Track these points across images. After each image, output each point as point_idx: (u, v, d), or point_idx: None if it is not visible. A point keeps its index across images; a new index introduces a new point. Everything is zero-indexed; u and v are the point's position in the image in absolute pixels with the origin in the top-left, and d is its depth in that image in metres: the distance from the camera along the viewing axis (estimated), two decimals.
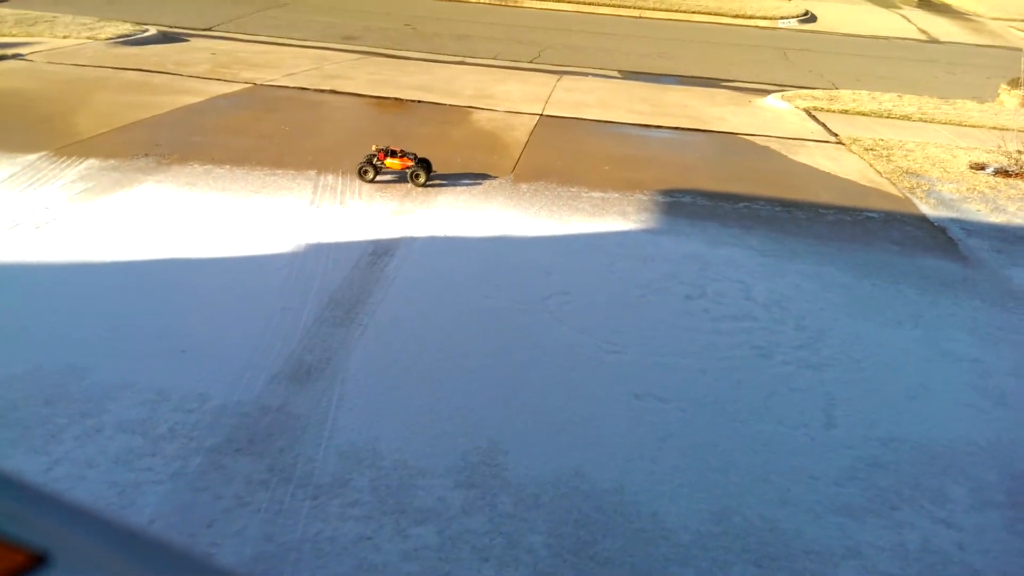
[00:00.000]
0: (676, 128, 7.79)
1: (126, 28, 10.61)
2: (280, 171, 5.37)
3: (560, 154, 6.54)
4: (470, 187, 5.39)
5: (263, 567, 2.02)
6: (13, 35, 9.77)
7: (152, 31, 10.87)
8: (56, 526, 0.44)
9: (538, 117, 7.79)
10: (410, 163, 5.23)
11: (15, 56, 8.58)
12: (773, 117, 8.64)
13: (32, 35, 9.83)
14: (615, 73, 11.27)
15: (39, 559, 0.40)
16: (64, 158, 5.26)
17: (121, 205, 4.53)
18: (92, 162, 5.22)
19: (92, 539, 0.44)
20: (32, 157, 5.23)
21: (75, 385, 2.74)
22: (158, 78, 8.14)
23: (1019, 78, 10.23)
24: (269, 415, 2.66)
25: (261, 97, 7.79)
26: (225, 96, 7.64)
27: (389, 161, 5.23)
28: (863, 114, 8.87)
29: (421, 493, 2.36)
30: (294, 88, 8.27)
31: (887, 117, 8.81)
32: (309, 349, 3.13)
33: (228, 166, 5.37)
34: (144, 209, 4.50)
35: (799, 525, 2.36)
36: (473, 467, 2.50)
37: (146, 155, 5.46)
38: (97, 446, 2.42)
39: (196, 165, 5.33)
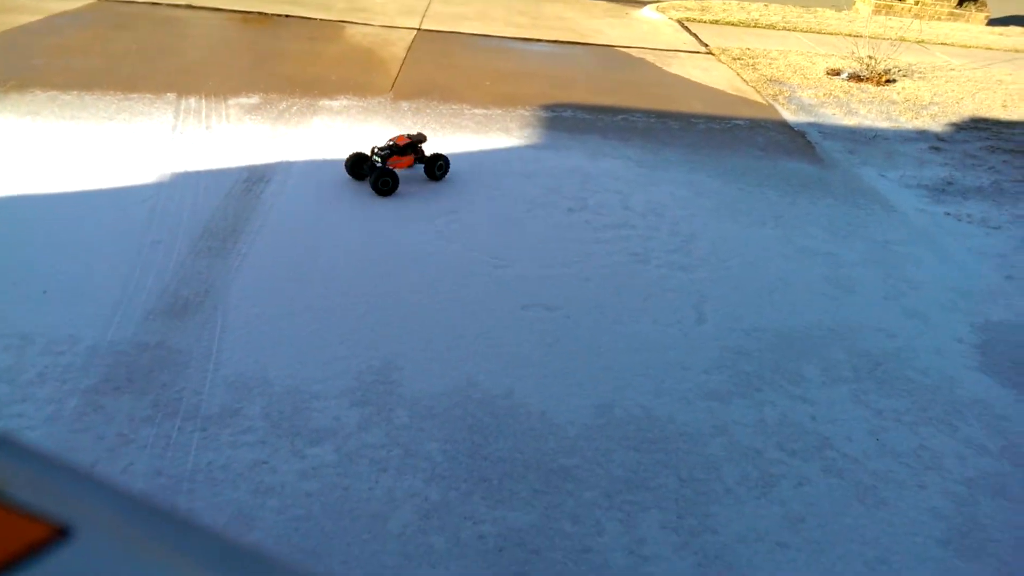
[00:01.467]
0: (555, 41, 7.76)
1: None
2: (135, 95, 4.96)
3: (440, 70, 6.38)
4: (348, 107, 5.19)
5: (156, 500, 2.00)
6: None
7: None
8: (78, 499, 0.43)
9: (415, 31, 7.52)
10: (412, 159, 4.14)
11: None
12: (649, 29, 8.76)
13: None
14: None
15: (61, 532, 0.40)
16: None
17: None
18: None
19: (114, 513, 0.43)
20: None
21: None
22: None
23: None
24: (148, 352, 2.56)
25: (108, 13, 7.06)
26: (65, 13, 6.87)
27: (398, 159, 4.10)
28: (732, 24, 9.15)
29: (316, 415, 2.38)
30: (145, 3, 7.54)
31: (754, 27, 9.13)
32: (185, 282, 3.00)
33: (75, 91, 4.90)
34: None
35: (672, 411, 2.57)
36: (368, 386, 2.54)
37: None
38: None
39: (38, 92, 4.83)
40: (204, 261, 3.16)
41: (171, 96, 5.02)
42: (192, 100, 4.99)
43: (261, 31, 7.18)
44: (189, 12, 7.47)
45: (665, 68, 7.07)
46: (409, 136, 4.12)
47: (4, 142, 4.09)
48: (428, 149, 4.34)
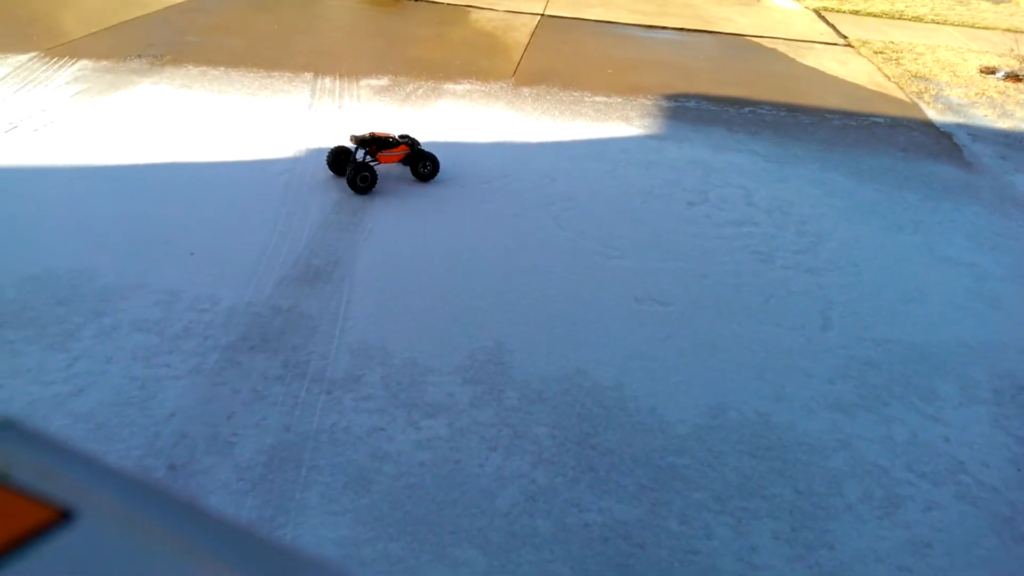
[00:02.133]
0: (681, 29, 7.55)
1: None
2: (276, 73, 5.24)
3: (562, 56, 6.36)
4: (470, 91, 5.27)
5: (284, 454, 2.13)
6: None
7: None
8: (80, 482, 0.44)
9: (539, 17, 7.52)
10: (406, 149, 3.87)
11: None
12: (782, 18, 8.36)
13: None
14: None
15: (64, 515, 0.40)
16: (56, 59, 5.12)
17: (118, 107, 4.44)
18: (85, 63, 5.08)
19: (116, 495, 0.44)
20: (23, 58, 5.08)
21: (87, 286, 2.78)
22: None
23: None
24: (280, 315, 2.72)
25: None
26: None
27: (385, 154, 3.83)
28: (874, 15, 8.58)
29: (431, 389, 2.45)
30: None
31: (899, 18, 8.53)
32: (316, 252, 3.16)
33: (223, 67, 5.24)
34: (142, 112, 4.41)
35: (792, 419, 2.47)
36: (480, 365, 2.59)
37: (139, 56, 5.30)
38: (114, 343, 2.49)
39: (191, 67, 5.20)
40: (334, 234, 3.31)
41: (308, 75, 5.27)
42: (327, 80, 5.22)
43: (392, 15, 7.40)
44: None
45: (799, 59, 6.73)
46: (402, 138, 3.84)
47: (161, 112, 4.43)
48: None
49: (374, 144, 3.75)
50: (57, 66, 5.00)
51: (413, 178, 3.91)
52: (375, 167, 3.73)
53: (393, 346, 2.63)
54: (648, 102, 5.31)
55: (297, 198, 3.58)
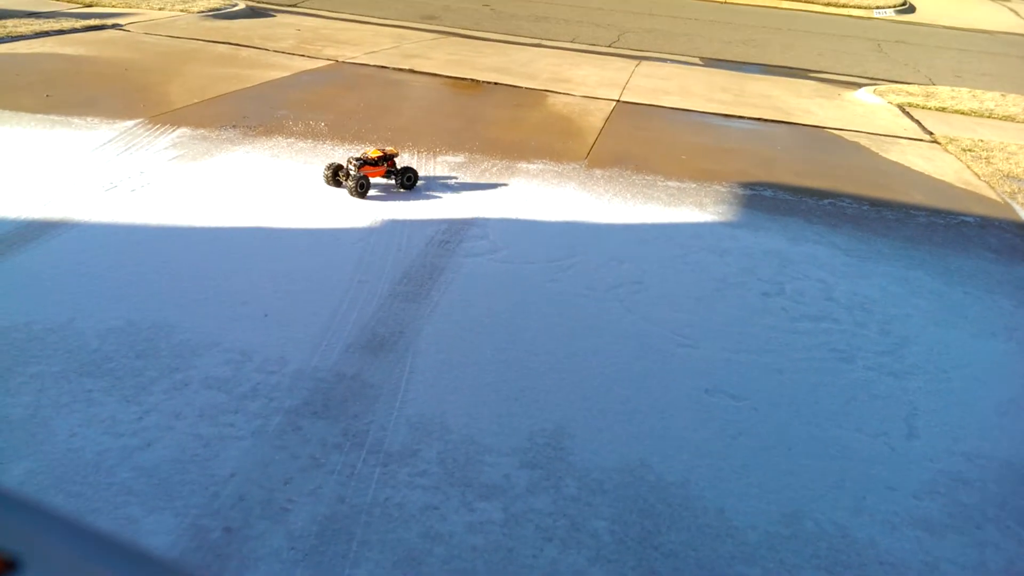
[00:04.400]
0: (758, 119, 7.57)
1: (216, 1, 10.97)
2: (359, 146, 5.47)
3: (636, 141, 6.44)
4: (543, 170, 5.37)
5: (337, 526, 2.08)
6: (113, 5, 10.24)
7: (241, 5, 11.21)
8: (28, 531, 0.43)
9: (615, 103, 7.69)
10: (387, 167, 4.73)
11: (114, 26, 8.99)
12: (864, 112, 8.28)
13: (131, 5, 10.28)
14: (696, 60, 11.01)
15: (9, 564, 0.39)
16: (158, 126, 5.50)
17: (211, 173, 4.70)
18: (184, 131, 5.44)
19: (64, 544, 0.42)
20: (129, 123, 5.48)
21: (164, 341, 2.88)
22: (245, 51, 8.40)
23: None
24: (344, 382, 2.73)
25: (343, 74, 7.94)
26: (309, 72, 7.82)
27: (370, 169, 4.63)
28: (962, 113, 8.41)
29: (487, 469, 2.39)
30: (374, 66, 8.40)
31: (988, 117, 8.33)
32: (383, 321, 3.19)
33: (311, 140, 5.51)
34: (232, 178, 4.66)
35: (873, 535, 2.28)
36: (539, 448, 2.51)
37: (233, 126, 5.65)
38: (184, 399, 2.54)
39: (280, 138, 5.49)
40: (400, 304, 3.35)
41: (388, 150, 5.47)
42: (405, 155, 5.42)
43: (471, 96, 7.70)
44: (410, 76, 8.19)
45: (882, 154, 6.62)
46: (383, 151, 4.69)
47: (249, 177, 4.67)
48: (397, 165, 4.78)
49: (365, 164, 4.60)
50: (158, 132, 5.37)
51: (472, 253, 3.95)
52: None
53: (452, 421, 2.59)
54: (723, 189, 5.28)
55: (369, 268, 3.66)
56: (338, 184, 4.60)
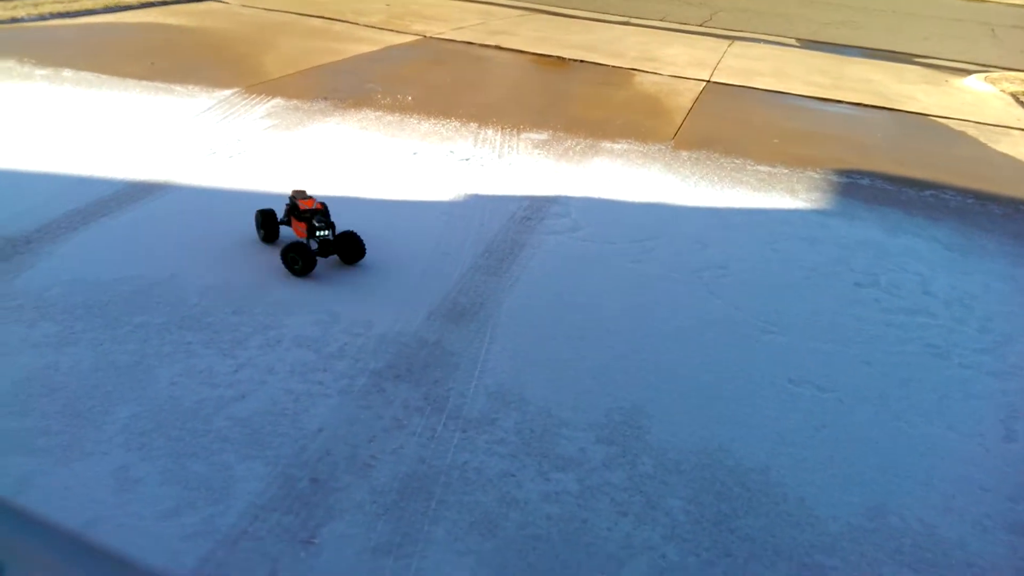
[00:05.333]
0: (857, 104, 7.22)
1: None
2: (445, 121, 5.54)
3: (726, 123, 6.26)
4: (628, 151, 5.30)
5: (417, 485, 2.15)
6: None
7: None
8: (9, 536, 0.43)
9: (705, 83, 7.49)
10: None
11: None
12: (973, 100, 7.79)
13: None
14: (792, 41, 10.57)
15: None
16: (254, 95, 5.71)
17: (304, 142, 4.86)
18: (278, 101, 5.64)
19: (44, 550, 0.43)
20: (227, 92, 5.71)
21: (260, 300, 3.01)
22: (337, 26, 8.60)
23: None
24: (426, 348, 2.79)
25: (430, 49, 8.03)
26: (397, 47, 7.94)
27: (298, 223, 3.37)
28: None
29: (563, 442, 2.41)
30: (461, 42, 8.45)
31: None
32: (464, 292, 3.24)
33: (398, 114, 5.61)
34: (324, 148, 4.81)
35: (963, 535, 2.18)
36: (615, 425, 2.51)
37: (325, 98, 5.81)
38: (276, 356, 2.67)
39: (369, 111, 5.61)
40: (482, 277, 3.39)
41: (473, 126, 5.52)
42: (490, 131, 5.45)
43: (556, 73, 7.65)
44: (496, 52, 8.21)
45: (990, 145, 6.21)
46: (308, 202, 3.36)
47: (339, 148, 4.80)
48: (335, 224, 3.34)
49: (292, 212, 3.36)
50: (254, 102, 5.57)
51: (554, 230, 3.94)
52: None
53: (529, 393, 2.62)
54: (816, 175, 5.08)
55: (451, 240, 3.71)
56: (269, 237, 3.50)
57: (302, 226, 3.31)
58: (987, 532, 2.22)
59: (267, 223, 3.49)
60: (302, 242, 3.24)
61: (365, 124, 5.31)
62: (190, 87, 5.77)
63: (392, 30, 8.64)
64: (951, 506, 2.30)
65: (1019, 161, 5.83)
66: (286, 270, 3.24)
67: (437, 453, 2.28)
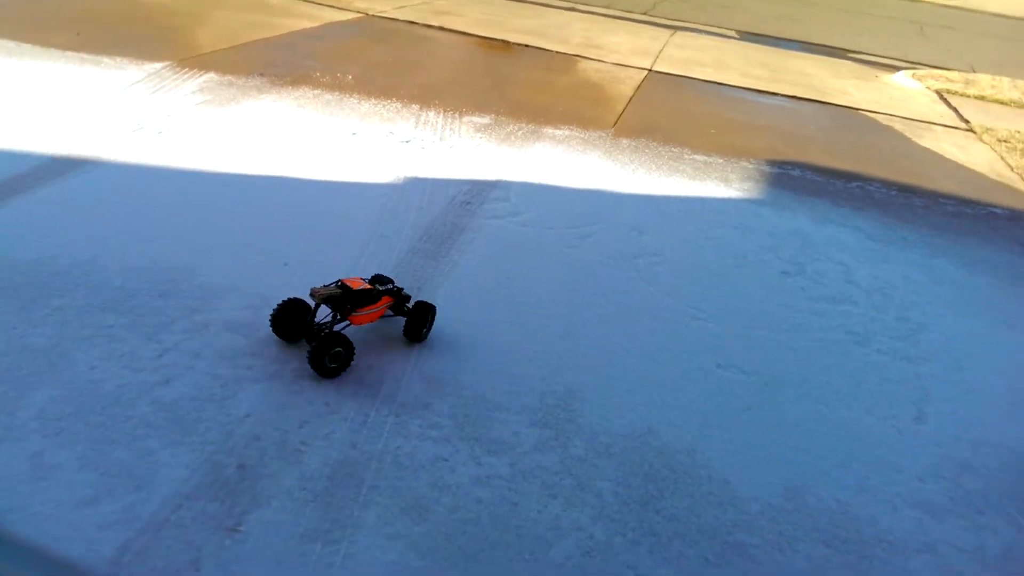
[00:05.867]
0: (793, 97, 7.43)
1: None
2: (386, 101, 5.45)
3: (665, 112, 6.36)
4: (569, 137, 5.33)
5: (348, 470, 2.14)
6: None
7: None
8: None
9: (647, 72, 7.57)
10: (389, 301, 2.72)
11: None
12: (901, 96, 8.10)
13: None
14: (733, 33, 10.78)
15: None
16: (186, 69, 5.51)
17: (237, 119, 4.71)
18: (211, 76, 5.44)
19: None
20: (157, 65, 5.49)
21: (186, 282, 2.92)
22: (274, 0, 8.33)
23: None
24: (361, 332, 2.76)
25: (372, 27, 7.88)
26: (338, 23, 7.76)
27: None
28: (1001, 102, 8.21)
29: (497, 426, 2.42)
30: (404, 21, 8.32)
31: None
32: (400, 278, 3.21)
33: (337, 92, 5.50)
34: (258, 126, 4.67)
35: (875, 513, 2.30)
36: (549, 409, 2.54)
37: (261, 74, 5.64)
38: (204, 340, 2.60)
39: (307, 88, 5.48)
40: (420, 261, 3.37)
41: (415, 107, 5.46)
42: (431, 113, 5.39)
43: (501, 58, 7.61)
44: (440, 33, 8.11)
45: (915, 140, 6.49)
46: (367, 280, 2.70)
47: (274, 126, 4.68)
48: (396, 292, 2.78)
49: (348, 300, 2.54)
50: (186, 76, 5.37)
51: (494, 215, 3.94)
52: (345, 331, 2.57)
53: (465, 378, 2.63)
54: (750, 166, 5.21)
55: (390, 223, 3.67)
56: (292, 336, 2.63)
57: (380, 305, 2.66)
58: (897, 510, 2.35)
59: (296, 323, 2.62)
60: (338, 332, 2.49)
61: (302, 102, 5.19)
62: (118, 59, 5.52)
63: (333, 6, 8.44)
64: (865, 486, 2.42)
65: (940, 156, 6.11)
66: (213, 253, 3.14)
67: (369, 438, 2.27)
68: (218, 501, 1.99)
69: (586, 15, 10.54)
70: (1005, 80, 9.25)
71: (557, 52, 7.94)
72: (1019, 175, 5.83)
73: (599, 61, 7.80)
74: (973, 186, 5.50)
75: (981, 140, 6.70)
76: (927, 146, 6.35)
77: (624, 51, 8.41)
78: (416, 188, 4.14)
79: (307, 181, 4.04)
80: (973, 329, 3.49)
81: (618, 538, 2.07)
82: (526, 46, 8.02)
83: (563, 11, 10.55)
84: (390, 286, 2.71)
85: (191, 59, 5.76)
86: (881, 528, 2.25)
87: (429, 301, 2.81)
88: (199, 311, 2.75)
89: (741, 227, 4.20)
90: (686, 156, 5.25)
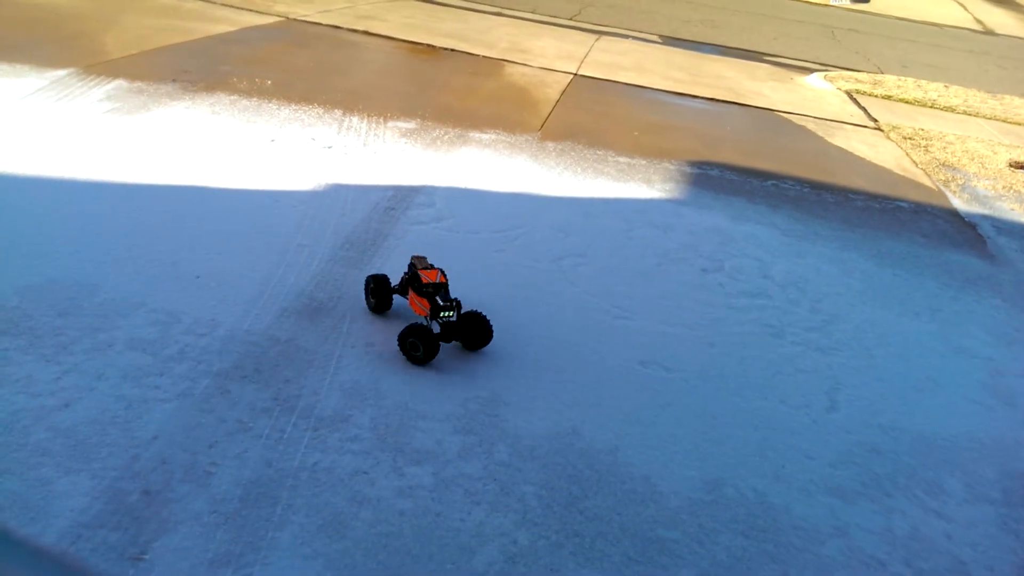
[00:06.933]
0: (712, 99, 7.63)
1: None
2: (307, 107, 5.34)
3: (590, 115, 6.44)
4: (496, 141, 5.33)
5: (262, 490, 2.06)
6: None
7: None
8: None
9: (572, 76, 7.65)
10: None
11: None
12: (813, 97, 8.43)
13: None
14: (655, 37, 11.01)
15: None
16: (93, 76, 5.26)
17: (147, 128, 4.53)
18: (120, 83, 5.22)
19: None
20: (61, 73, 5.23)
21: (88, 300, 2.78)
22: (189, 4, 8.07)
23: None
24: (277, 346, 2.68)
25: (293, 32, 7.70)
26: (257, 28, 7.56)
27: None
28: (906, 102, 8.63)
29: (420, 435, 2.39)
30: (327, 25, 8.17)
31: (931, 107, 8.57)
32: (321, 286, 3.14)
33: (255, 98, 5.35)
34: (169, 134, 4.50)
35: (789, 501, 2.37)
36: (472, 415, 2.53)
37: (174, 80, 5.44)
38: (107, 360, 2.47)
39: (223, 95, 5.31)
40: (341, 269, 3.31)
41: (337, 112, 5.36)
42: (355, 118, 5.31)
43: (427, 62, 7.56)
44: (364, 38, 8.00)
45: (827, 138, 6.76)
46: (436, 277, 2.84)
47: (187, 134, 4.51)
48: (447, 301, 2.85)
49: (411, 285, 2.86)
50: (93, 83, 5.13)
51: (418, 220, 3.91)
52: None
53: (387, 387, 2.58)
54: (671, 166, 5.33)
55: (309, 231, 3.59)
56: (383, 307, 2.99)
57: (424, 303, 2.81)
58: (811, 496, 2.42)
59: (379, 291, 2.95)
60: (424, 325, 2.73)
61: (218, 109, 5.02)
62: (17, 65, 5.23)
63: (252, 10, 8.22)
64: (780, 474, 2.49)
65: (850, 153, 6.38)
66: (119, 268, 3.00)
67: (285, 455, 2.20)
68: (121, 530, 1.89)
69: (512, 20, 10.58)
70: (910, 80, 9.74)
71: (483, 56, 7.94)
72: (923, 170, 6.14)
73: (525, 65, 7.83)
74: (881, 182, 5.76)
75: (888, 138, 7.03)
76: (838, 144, 6.62)
77: (550, 55, 8.47)
78: (338, 195, 4.06)
79: (222, 190, 3.91)
80: (881, 318, 3.64)
81: (542, 541, 2.07)
82: (452, 50, 7.99)
83: (489, 16, 10.56)
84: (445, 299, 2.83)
85: (98, 65, 5.51)
86: (796, 515, 2.32)
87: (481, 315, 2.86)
88: (101, 330, 2.62)
89: (663, 226, 4.28)
90: (610, 158, 5.32)
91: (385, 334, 2.88)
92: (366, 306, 3.04)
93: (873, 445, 2.71)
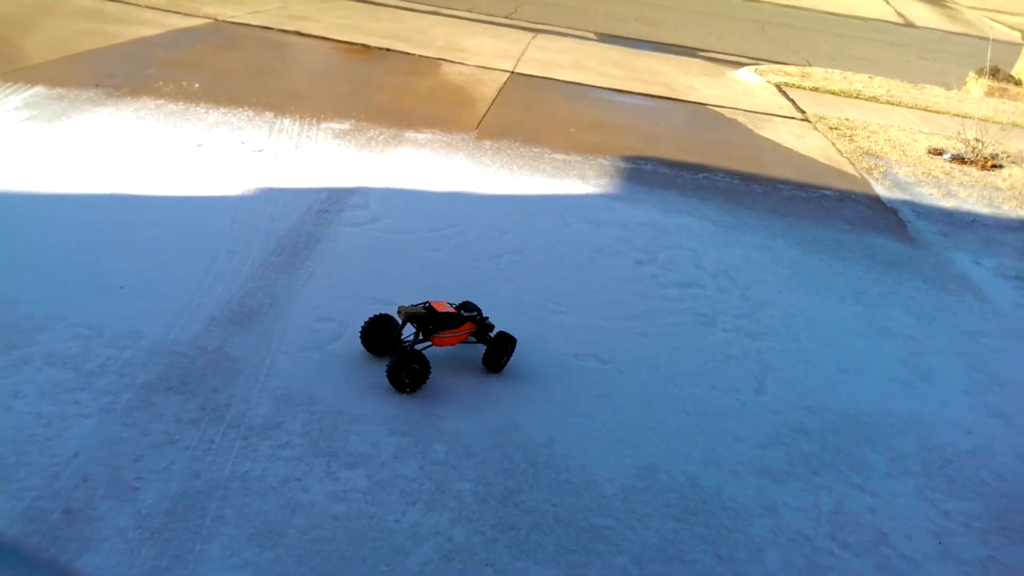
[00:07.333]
0: (647, 95, 7.76)
1: None
2: (236, 110, 5.23)
3: (527, 113, 6.47)
4: (432, 140, 5.32)
5: (189, 502, 2.02)
6: None
7: None
8: None
9: (509, 74, 7.68)
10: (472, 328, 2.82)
11: None
12: (744, 90, 8.66)
13: None
14: (591, 35, 11.13)
15: None
16: (10, 84, 5.05)
17: (68, 136, 4.37)
18: (39, 89, 5.02)
19: None
20: None
21: (4, 316, 2.67)
22: (113, 7, 7.81)
23: (987, 67, 10.39)
24: (205, 356, 2.63)
25: (222, 34, 7.53)
26: (184, 30, 7.37)
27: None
28: (833, 93, 8.94)
29: (354, 438, 2.37)
30: (257, 26, 8.01)
31: (856, 97, 8.90)
32: (252, 293, 3.09)
33: (182, 103, 5.21)
34: (91, 141, 4.35)
35: (720, 484, 2.44)
36: (408, 415, 2.52)
37: (96, 86, 5.26)
38: (24, 377, 2.38)
39: (148, 99, 5.16)
40: (273, 275, 3.25)
41: (268, 115, 5.27)
42: (287, 120, 5.22)
43: (362, 62, 7.49)
44: (297, 39, 7.87)
45: (756, 131, 6.95)
46: (455, 305, 2.84)
47: (110, 141, 4.37)
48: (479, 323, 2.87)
49: (431, 321, 2.70)
50: (9, 91, 4.92)
51: (352, 222, 3.87)
52: (426, 351, 2.65)
53: (319, 392, 2.56)
54: (606, 162, 5.40)
55: (239, 237, 3.52)
56: (379, 350, 2.79)
57: (467, 327, 2.77)
58: (741, 478, 2.50)
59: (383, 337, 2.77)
60: (416, 349, 2.63)
61: (143, 114, 4.88)
62: None
63: (178, 12, 7.99)
64: (711, 458, 2.56)
65: (779, 145, 6.58)
66: (37, 282, 2.89)
67: (214, 466, 2.16)
68: (40, 551, 1.82)
69: (448, 19, 10.56)
70: (836, 72, 10.09)
71: (419, 56, 7.90)
72: (848, 159, 6.38)
73: (462, 64, 7.83)
74: (807, 171, 5.96)
75: (815, 128, 7.27)
76: (767, 136, 6.82)
77: (487, 54, 8.49)
78: (269, 199, 4.00)
79: (147, 197, 3.80)
80: (808, 303, 3.78)
81: (477, 537, 2.08)
82: (387, 50, 7.93)
83: (425, 15, 10.51)
84: (475, 314, 2.84)
85: (15, 71, 5.29)
86: (726, 497, 2.39)
87: (509, 333, 2.85)
88: (18, 346, 2.52)
89: (597, 221, 4.34)
90: (546, 155, 5.37)
91: (318, 340, 2.85)
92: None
93: (800, 425, 2.81)
